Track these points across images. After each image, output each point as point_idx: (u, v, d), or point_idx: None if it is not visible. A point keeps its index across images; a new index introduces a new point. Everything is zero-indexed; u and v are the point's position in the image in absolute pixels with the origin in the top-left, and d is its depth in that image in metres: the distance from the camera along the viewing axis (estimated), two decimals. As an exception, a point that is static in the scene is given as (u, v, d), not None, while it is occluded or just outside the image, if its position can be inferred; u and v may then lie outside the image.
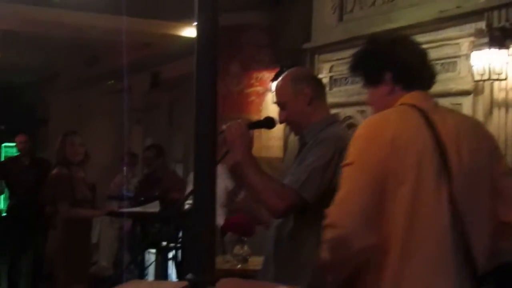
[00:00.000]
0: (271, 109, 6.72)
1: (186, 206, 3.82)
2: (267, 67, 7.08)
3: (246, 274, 4.63)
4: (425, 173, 2.34)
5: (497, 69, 4.53)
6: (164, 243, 6.44)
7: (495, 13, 4.72)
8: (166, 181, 7.43)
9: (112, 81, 12.00)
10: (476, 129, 2.57)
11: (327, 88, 6.28)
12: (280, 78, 3.35)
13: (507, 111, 4.63)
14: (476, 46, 4.69)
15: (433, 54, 5.18)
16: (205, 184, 1.72)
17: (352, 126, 6.04)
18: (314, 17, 6.55)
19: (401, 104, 2.49)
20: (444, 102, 5.09)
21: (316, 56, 6.49)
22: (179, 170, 9.88)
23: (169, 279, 6.50)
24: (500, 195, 2.51)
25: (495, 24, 4.69)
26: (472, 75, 4.70)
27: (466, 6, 4.97)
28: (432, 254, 2.33)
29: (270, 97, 6.95)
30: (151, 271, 7.89)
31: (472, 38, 4.88)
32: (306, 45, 6.55)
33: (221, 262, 4.85)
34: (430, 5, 5.29)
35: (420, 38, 5.36)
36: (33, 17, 8.19)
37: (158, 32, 8.62)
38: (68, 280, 6.06)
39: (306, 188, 2.97)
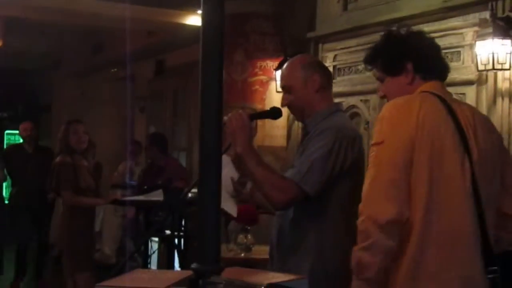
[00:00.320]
0: (275, 98, 6.71)
1: (189, 195, 3.82)
2: (271, 56, 7.08)
3: (249, 263, 4.66)
4: (450, 155, 2.46)
5: (501, 59, 4.53)
6: (167, 232, 6.46)
7: (499, 3, 4.71)
8: (169, 170, 7.44)
9: (116, 69, 11.99)
10: (486, 121, 2.71)
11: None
12: (289, 62, 3.36)
13: (510, 101, 4.64)
14: (480, 36, 4.68)
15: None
16: (210, 173, 1.73)
17: (356, 115, 6.05)
18: (319, 6, 6.54)
19: (422, 92, 2.61)
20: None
21: (320, 45, 6.49)
22: (183, 159, 9.89)
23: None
24: (505, 187, 2.60)
25: (499, 14, 4.68)
26: (476, 65, 4.70)
27: (470, -4, 4.97)
28: (454, 230, 2.43)
29: (274, 86, 6.94)
30: (153, 259, 7.92)
31: (476, 28, 4.87)
32: (310, 34, 6.54)
33: (225, 251, 4.88)
34: (434, -5, 5.29)
35: (424, 27, 5.35)
36: (38, 3, 8.18)
37: (163, 20, 8.60)
38: (72, 268, 6.09)
39: (307, 181, 2.98)
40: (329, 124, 3.14)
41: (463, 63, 5.01)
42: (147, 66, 10.95)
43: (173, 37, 9.37)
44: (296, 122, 6.35)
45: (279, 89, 6.67)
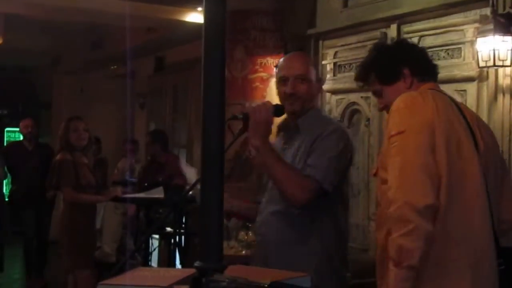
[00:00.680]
0: (275, 95, 6.69)
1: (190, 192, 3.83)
2: (271, 52, 7.07)
3: (250, 260, 4.65)
4: (466, 145, 2.52)
5: (502, 56, 4.52)
6: (168, 229, 6.47)
7: (500, 0, 4.71)
8: (170, 167, 7.44)
9: (116, 66, 11.98)
10: (486, 124, 2.84)
11: (332, 74, 6.29)
12: (301, 55, 3.58)
13: (511, 97, 4.63)
14: (481, 33, 4.67)
15: (438, 40, 5.22)
16: (213, 170, 1.73)
17: (356, 112, 6.05)
18: (319, 3, 6.53)
19: (427, 89, 2.68)
20: (449, 88, 5.08)
21: (321, 42, 6.48)
22: (183, 156, 9.89)
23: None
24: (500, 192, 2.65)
25: (500, 10, 4.67)
26: (477, 61, 4.69)
27: (471, -8, 4.96)
28: (472, 219, 2.48)
29: (274, 83, 6.93)
30: (154, 257, 7.92)
31: (477, 25, 4.86)
32: (311, 31, 6.53)
33: (226, 248, 4.87)
34: (435, -9, 5.28)
35: (425, 24, 5.37)
36: (37, 0, 8.17)
37: (162, 16, 8.59)
38: (73, 265, 6.09)
39: (326, 179, 3.06)
40: (335, 125, 3.27)
41: (464, 59, 5.01)
42: (147, 63, 10.94)
43: (173, 33, 9.36)
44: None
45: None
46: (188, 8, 8.27)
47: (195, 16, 8.24)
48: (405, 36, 5.50)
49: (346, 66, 6.19)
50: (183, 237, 6.52)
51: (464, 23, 5.01)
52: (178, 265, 6.40)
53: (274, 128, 3.26)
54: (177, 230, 6.28)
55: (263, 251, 3.25)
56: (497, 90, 4.68)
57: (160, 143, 7.77)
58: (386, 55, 2.83)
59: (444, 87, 5.03)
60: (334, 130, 3.20)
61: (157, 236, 7.49)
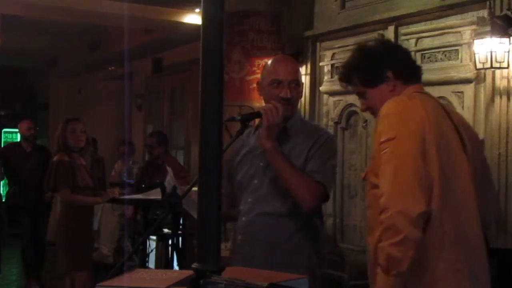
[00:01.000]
0: (272, 96, 6.70)
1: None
2: (269, 54, 7.06)
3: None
4: (456, 149, 2.53)
5: (499, 58, 4.53)
6: (166, 230, 6.46)
7: (498, 2, 4.71)
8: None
9: (113, 67, 11.98)
10: (467, 123, 2.84)
11: (329, 76, 6.30)
12: (290, 57, 3.70)
13: (508, 99, 4.64)
14: (478, 35, 4.68)
15: (435, 42, 5.23)
16: (211, 172, 1.72)
17: (354, 113, 6.06)
18: (317, 4, 6.54)
19: (413, 92, 2.68)
20: (446, 90, 5.11)
21: (318, 43, 6.49)
22: (180, 157, 9.89)
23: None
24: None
25: (497, 12, 4.68)
26: (474, 63, 4.70)
27: (468, -6, 4.97)
28: (465, 223, 2.50)
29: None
30: (151, 258, 7.91)
31: (474, 27, 4.87)
32: (308, 33, 6.55)
33: (223, 249, 4.86)
34: (432, -7, 5.29)
35: (422, 26, 5.39)
36: (35, 1, 8.17)
37: (160, 18, 8.59)
38: (70, 267, 6.08)
39: (330, 186, 3.22)
40: (325, 131, 3.51)
41: (461, 61, 5.02)
42: (145, 64, 10.94)
43: (171, 35, 9.37)
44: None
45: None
46: (186, 10, 8.27)
47: (193, 18, 8.25)
48: (403, 38, 5.51)
49: (344, 68, 6.19)
50: (180, 238, 6.51)
51: (461, 25, 5.03)
52: (175, 266, 6.40)
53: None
54: (175, 231, 6.28)
55: (249, 250, 3.26)
56: (494, 92, 4.69)
57: (165, 145, 7.80)
58: (369, 57, 2.80)
59: (441, 89, 5.09)
60: (330, 137, 3.35)
61: (154, 238, 7.48)
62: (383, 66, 2.73)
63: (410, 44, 5.44)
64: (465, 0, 4.97)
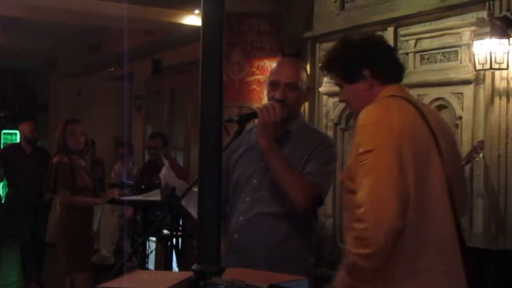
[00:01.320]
0: (272, 97, 6.70)
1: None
2: (268, 55, 7.06)
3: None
4: (433, 158, 2.50)
5: (499, 59, 4.53)
6: (165, 231, 6.47)
7: (497, 3, 4.71)
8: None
9: (113, 68, 11.98)
10: (442, 119, 2.82)
11: (329, 77, 6.29)
12: (294, 62, 3.55)
13: (508, 100, 4.64)
14: (478, 36, 4.68)
15: (434, 43, 5.24)
16: (210, 173, 1.72)
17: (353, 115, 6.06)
18: (316, 6, 6.54)
19: (389, 96, 2.64)
20: (446, 91, 5.11)
21: (318, 44, 6.49)
22: (180, 158, 9.89)
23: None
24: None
25: (497, 13, 4.68)
26: (474, 64, 4.70)
27: (467, -5, 4.97)
28: (440, 231, 2.51)
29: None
30: (151, 259, 7.91)
31: (473, 28, 4.87)
32: (308, 34, 6.54)
33: (223, 250, 4.86)
34: (431, -6, 5.29)
35: (421, 27, 5.39)
36: (34, 3, 8.17)
37: (160, 19, 8.60)
38: (70, 268, 6.08)
39: (325, 190, 3.23)
40: (328, 138, 3.52)
41: (460, 62, 5.02)
42: (144, 65, 10.94)
43: (170, 36, 9.37)
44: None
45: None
46: (185, 11, 8.28)
47: (192, 19, 8.25)
48: (402, 39, 5.51)
49: (343, 69, 6.19)
50: (180, 239, 6.52)
51: (460, 26, 5.03)
52: (175, 267, 6.40)
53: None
54: (174, 233, 6.28)
55: (245, 250, 3.27)
56: (494, 93, 4.69)
57: (166, 146, 7.80)
58: (348, 53, 2.75)
59: (441, 90, 5.09)
60: (332, 144, 3.38)
61: (154, 239, 7.49)
62: (360, 64, 2.70)
63: (409, 45, 5.44)
64: (464, 1, 4.97)
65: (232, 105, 6.61)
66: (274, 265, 2.97)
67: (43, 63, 13.91)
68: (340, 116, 6.16)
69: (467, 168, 4.76)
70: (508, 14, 4.59)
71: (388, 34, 5.60)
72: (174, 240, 6.40)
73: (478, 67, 4.63)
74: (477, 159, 4.69)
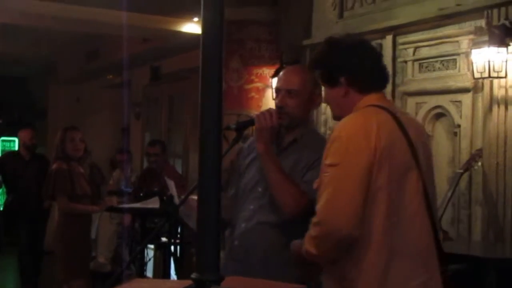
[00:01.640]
0: (271, 105, 6.70)
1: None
2: (267, 63, 7.08)
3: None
4: (410, 174, 2.50)
5: (497, 67, 4.54)
6: (163, 239, 6.45)
7: (495, 11, 4.72)
8: (166, 176, 7.42)
9: (112, 76, 11.99)
10: (421, 128, 2.83)
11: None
12: (299, 68, 3.49)
13: (506, 108, 4.64)
14: (476, 44, 4.70)
15: (432, 51, 5.25)
16: (210, 181, 1.72)
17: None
18: (315, 14, 6.56)
19: (368, 106, 2.62)
20: (444, 99, 5.12)
21: (316, 52, 6.50)
22: (178, 165, 9.88)
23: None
24: None
25: (495, 22, 4.69)
26: (472, 72, 4.71)
27: (465, 4, 4.97)
28: (416, 244, 2.51)
29: (270, 94, 6.94)
30: (149, 266, 7.90)
31: (471, 36, 4.89)
32: (306, 41, 6.55)
33: (221, 258, 4.85)
34: (430, 3, 5.29)
35: (420, 35, 5.40)
36: (33, 10, 8.18)
37: (158, 27, 8.61)
38: (68, 275, 6.07)
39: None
40: None
41: (459, 70, 5.03)
42: (143, 73, 10.94)
43: (169, 43, 9.38)
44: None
45: (276, 96, 6.69)
46: (184, 19, 8.29)
47: (191, 27, 8.26)
48: (400, 47, 5.52)
49: (341, 77, 6.20)
50: (178, 247, 6.51)
51: (459, 35, 5.04)
52: (173, 275, 6.39)
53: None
54: (173, 240, 6.27)
55: (244, 258, 3.26)
56: (492, 101, 4.70)
57: (165, 153, 7.80)
58: (329, 58, 2.73)
59: (439, 98, 5.10)
60: None
61: (152, 246, 7.47)
62: (337, 71, 2.68)
63: (408, 53, 5.45)
64: (462, 10, 4.98)
65: (230, 113, 6.62)
66: (271, 274, 2.96)
67: (42, 70, 13.91)
68: (339, 124, 6.16)
69: (465, 176, 4.77)
70: (506, 22, 4.61)
71: (387, 42, 5.61)
72: (172, 247, 6.39)
73: (477, 75, 4.64)
74: (476, 167, 4.70)
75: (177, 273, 6.39)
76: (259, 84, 7.13)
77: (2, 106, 14.69)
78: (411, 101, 5.42)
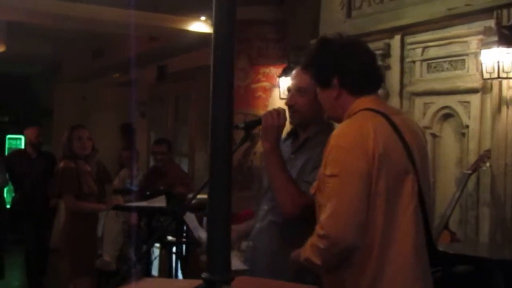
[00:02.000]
0: (278, 105, 6.68)
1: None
2: (274, 62, 7.07)
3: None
4: (406, 179, 2.51)
5: (506, 68, 4.52)
6: (169, 238, 6.45)
7: (505, 12, 4.69)
8: (172, 175, 7.43)
9: (117, 74, 11.98)
10: (417, 129, 2.76)
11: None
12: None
13: (515, 109, 4.63)
14: (485, 44, 4.67)
15: (441, 51, 5.22)
16: (220, 181, 1.71)
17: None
18: (322, 13, 6.53)
19: (363, 110, 2.61)
20: (452, 99, 5.09)
21: (324, 52, 6.47)
22: (184, 164, 9.88)
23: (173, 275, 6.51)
24: None
25: (504, 22, 4.66)
26: (481, 73, 4.68)
27: (475, 4, 4.94)
28: (409, 250, 2.50)
29: (277, 93, 6.93)
30: (154, 265, 7.89)
31: (480, 36, 4.86)
32: (313, 41, 6.52)
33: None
34: (439, 3, 5.26)
35: (428, 35, 5.37)
36: (40, 8, 8.18)
37: (165, 25, 8.59)
38: (73, 273, 6.07)
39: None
40: None
41: (467, 71, 5.00)
42: (149, 72, 10.94)
43: (175, 42, 9.37)
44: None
45: (283, 96, 6.67)
46: (191, 17, 8.27)
47: (198, 25, 8.25)
48: (409, 47, 5.50)
49: (349, 76, 6.18)
50: (184, 246, 6.50)
51: (468, 35, 5.01)
52: (179, 274, 6.38)
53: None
54: (178, 239, 6.27)
55: (253, 257, 3.27)
56: (501, 102, 4.67)
57: (172, 152, 7.80)
58: (322, 59, 2.71)
59: (448, 99, 5.08)
60: None
61: (157, 245, 7.47)
62: (329, 72, 2.66)
63: (416, 53, 5.43)
64: (472, 10, 4.95)
65: (237, 112, 6.60)
66: (277, 274, 2.95)
67: (48, 68, 13.92)
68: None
69: (473, 177, 4.75)
70: (516, 23, 4.59)
71: (395, 42, 5.59)
72: (178, 246, 6.39)
73: (486, 76, 4.61)
74: (484, 168, 4.68)
75: (182, 272, 6.39)
76: (266, 84, 7.12)
77: (8, 105, 14.70)
78: (419, 101, 5.40)
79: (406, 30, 5.55)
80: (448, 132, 5.20)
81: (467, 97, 4.98)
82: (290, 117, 3.23)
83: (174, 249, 6.61)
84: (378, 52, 5.60)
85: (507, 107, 4.64)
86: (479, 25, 4.93)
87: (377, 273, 2.46)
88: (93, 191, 6.17)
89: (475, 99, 4.91)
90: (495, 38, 4.59)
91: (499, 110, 4.68)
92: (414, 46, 5.46)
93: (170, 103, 11.16)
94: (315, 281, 2.74)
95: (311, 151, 3.19)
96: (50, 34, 10.61)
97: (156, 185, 7.13)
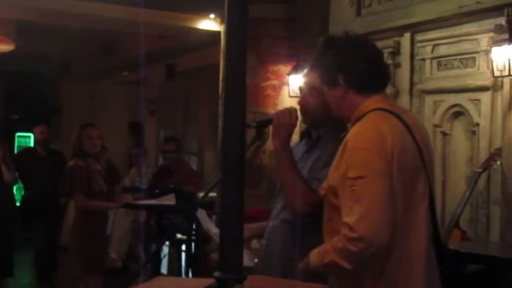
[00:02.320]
0: (287, 103, 6.68)
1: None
2: (283, 60, 7.06)
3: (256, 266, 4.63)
4: (420, 178, 2.52)
5: (517, 66, 4.51)
6: (179, 236, 6.46)
7: (515, 9, 4.69)
8: (181, 173, 7.43)
9: (127, 73, 12.00)
10: (423, 128, 2.76)
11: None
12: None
13: (526, 107, 4.61)
14: (496, 42, 4.66)
15: (452, 49, 5.20)
16: (233, 179, 1.70)
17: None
18: (332, 11, 6.52)
19: (374, 110, 2.59)
20: (463, 97, 5.08)
21: (333, 50, 6.46)
22: (193, 163, 9.88)
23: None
24: None
25: (515, 20, 4.66)
26: (492, 71, 4.66)
27: (485, 2, 4.92)
28: (420, 249, 2.52)
29: (287, 91, 6.92)
30: (163, 263, 7.90)
31: (491, 34, 4.84)
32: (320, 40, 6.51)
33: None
34: (449, 0, 5.25)
35: (438, 33, 5.35)
36: (49, 7, 8.18)
37: (174, 24, 8.58)
38: (83, 271, 6.08)
39: None
40: None
41: (478, 69, 4.98)
42: (158, 70, 10.95)
43: (185, 41, 9.36)
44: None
45: (292, 94, 6.66)
46: (200, 16, 8.26)
47: (208, 23, 8.23)
48: (419, 45, 5.48)
49: (359, 75, 6.17)
50: (193, 244, 6.51)
51: (478, 32, 4.99)
52: (189, 272, 6.39)
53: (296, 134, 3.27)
54: (188, 237, 6.28)
55: (265, 256, 3.27)
56: (512, 99, 4.66)
57: (181, 150, 7.81)
58: (328, 57, 2.70)
59: (458, 97, 5.06)
60: None
61: (167, 243, 7.48)
62: (335, 71, 2.65)
63: (426, 51, 5.41)
64: (482, 8, 4.93)
65: (247, 111, 6.59)
66: (290, 273, 2.95)
67: (57, 67, 13.94)
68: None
69: (484, 175, 4.73)
70: (527, 20, 4.57)
71: (405, 40, 5.58)
72: (187, 244, 6.39)
73: (496, 73, 4.60)
74: (495, 166, 4.66)
75: (192, 270, 6.40)
76: (275, 82, 7.10)
77: (18, 103, 14.74)
78: (429, 99, 5.38)
79: (416, 28, 5.53)
80: (458, 130, 5.19)
81: (477, 95, 4.96)
82: (302, 116, 3.24)
83: (183, 247, 6.62)
84: (388, 50, 5.59)
85: (518, 105, 4.63)
86: (489, 23, 4.91)
87: (395, 273, 2.46)
88: (102, 189, 6.18)
89: (485, 97, 4.89)
90: (506, 36, 4.58)
91: (509, 108, 4.67)
92: (424, 44, 5.44)
93: (179, 101, 11.17)
94: (325, 281, 2.75)
95: (323, 147, 3.19)
96: (60, 33, 10.61)
97: (165, 184, 7.13)
